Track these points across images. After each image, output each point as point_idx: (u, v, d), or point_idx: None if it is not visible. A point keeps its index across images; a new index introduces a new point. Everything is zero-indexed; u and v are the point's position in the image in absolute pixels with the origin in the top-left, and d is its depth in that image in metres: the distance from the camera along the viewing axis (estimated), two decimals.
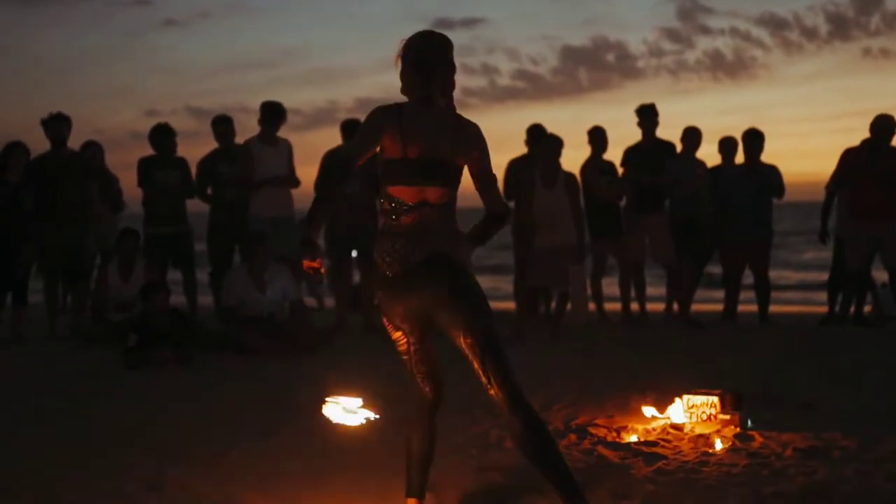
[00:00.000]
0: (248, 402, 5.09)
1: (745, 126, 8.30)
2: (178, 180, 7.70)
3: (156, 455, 4.01)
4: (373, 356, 6.55)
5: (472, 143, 2.95)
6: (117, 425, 4.60)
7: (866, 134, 7.74)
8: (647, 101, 8.07)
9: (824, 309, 8.60)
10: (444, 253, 2.84)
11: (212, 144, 7.93)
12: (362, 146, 2.88)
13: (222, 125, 7.79)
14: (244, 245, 7.26)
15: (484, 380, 2.72)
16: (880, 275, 8.57)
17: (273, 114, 7.57)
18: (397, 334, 2.98)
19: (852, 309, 8.01)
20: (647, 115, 8.03)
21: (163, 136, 7.72)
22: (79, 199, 7.48)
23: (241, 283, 6.86)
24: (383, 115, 2.88)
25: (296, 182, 7.69)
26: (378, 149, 2.92)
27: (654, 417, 4.39)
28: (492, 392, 2.72)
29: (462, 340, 2.74)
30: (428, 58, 2.88)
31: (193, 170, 7.83)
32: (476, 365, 2.73)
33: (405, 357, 2.99)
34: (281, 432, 4.39)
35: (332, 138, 57.77)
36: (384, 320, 3.00)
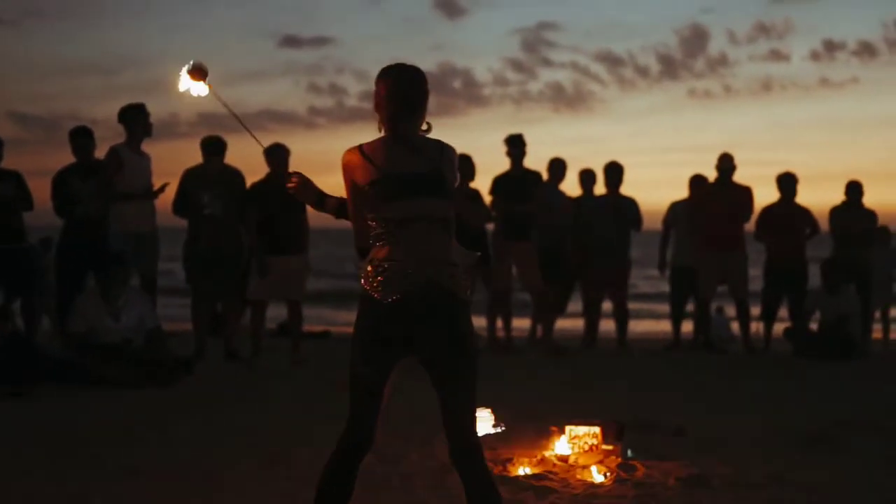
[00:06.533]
0: (102, 438, 4.68)
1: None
2: (10, 193, 7.07)
3: None
4: (234, 384, 6.28)
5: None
6: None
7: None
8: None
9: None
10: (444, 286, 2.71)
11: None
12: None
13: (82, 138, 7.17)
14: (98, 267, 6.72)
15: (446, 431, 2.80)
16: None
17: (140, 117, 7.00)
18: (366, 370, 2.74)
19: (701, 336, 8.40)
20: (517, 145, 8.13)
21: None
22: None
23: (93, 308, 6.36)
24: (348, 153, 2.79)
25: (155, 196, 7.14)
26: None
27: (538, 449, 4.35)
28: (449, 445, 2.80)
29: (440, 394, 2.78)
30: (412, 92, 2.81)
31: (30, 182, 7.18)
32: (444, 417, 2.79)
33: (358, 391, 2.76)
34: (142, 473, 4.04)
35: (172, 152, 55.06)
36: (357, 350, 2.75)
